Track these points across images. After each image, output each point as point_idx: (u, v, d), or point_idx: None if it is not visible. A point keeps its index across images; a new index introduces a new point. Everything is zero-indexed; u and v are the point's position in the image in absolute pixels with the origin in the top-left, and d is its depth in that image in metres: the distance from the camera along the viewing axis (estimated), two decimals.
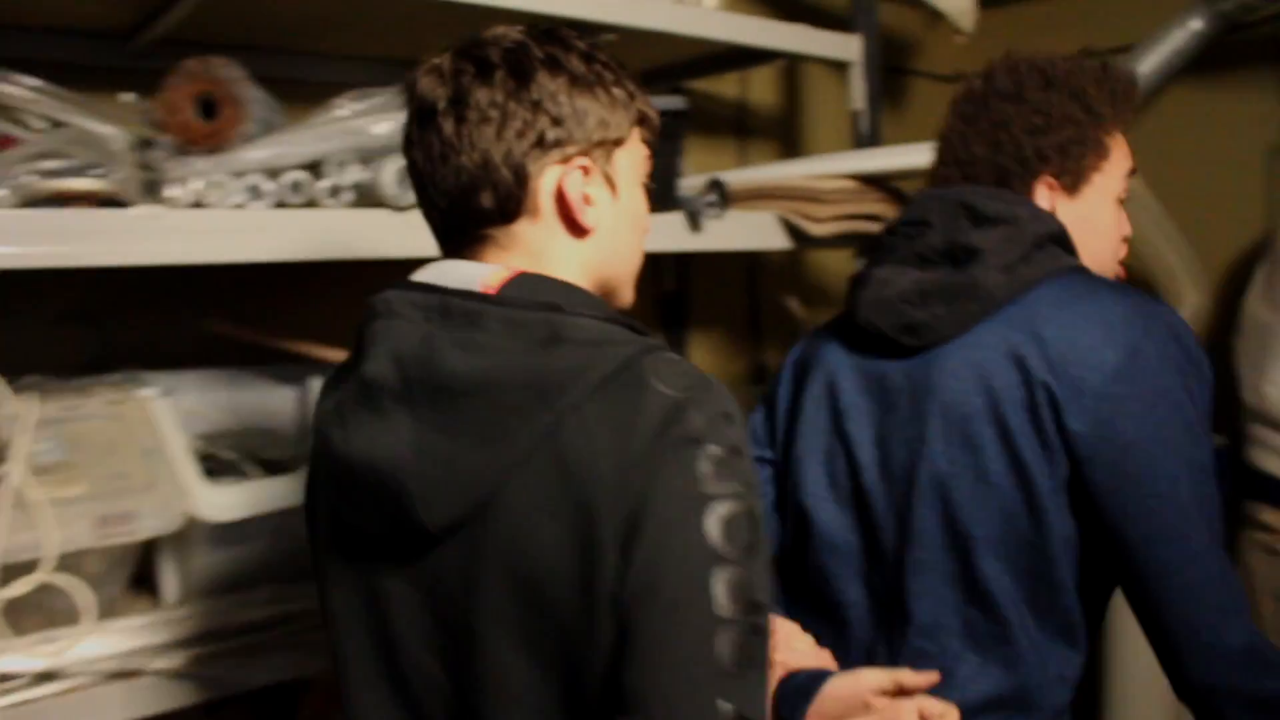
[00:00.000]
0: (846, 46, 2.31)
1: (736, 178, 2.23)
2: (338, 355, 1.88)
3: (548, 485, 0.90)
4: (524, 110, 0.97)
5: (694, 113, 2.62)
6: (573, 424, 0.90)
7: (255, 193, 1.54)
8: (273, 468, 1.72)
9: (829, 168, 2.19)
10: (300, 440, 1.81)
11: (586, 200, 1.01)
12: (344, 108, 1.67)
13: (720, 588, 0.86)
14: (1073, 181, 1.38)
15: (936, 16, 3.59)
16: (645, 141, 1.09)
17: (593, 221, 1.02)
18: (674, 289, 2.80)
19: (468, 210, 1.00)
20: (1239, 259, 2.99)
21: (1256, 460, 2.48)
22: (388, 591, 1.00)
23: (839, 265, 3.25)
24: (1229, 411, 2.67)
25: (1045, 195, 1.38)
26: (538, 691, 0.93)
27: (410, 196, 1.50)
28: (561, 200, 1.01)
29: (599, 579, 0.88)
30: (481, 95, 0.97)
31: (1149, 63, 2.74)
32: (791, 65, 3.13)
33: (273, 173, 1.57)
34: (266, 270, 1.62)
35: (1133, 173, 1.44)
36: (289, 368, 1.85)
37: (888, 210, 2.25)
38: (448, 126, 0.97)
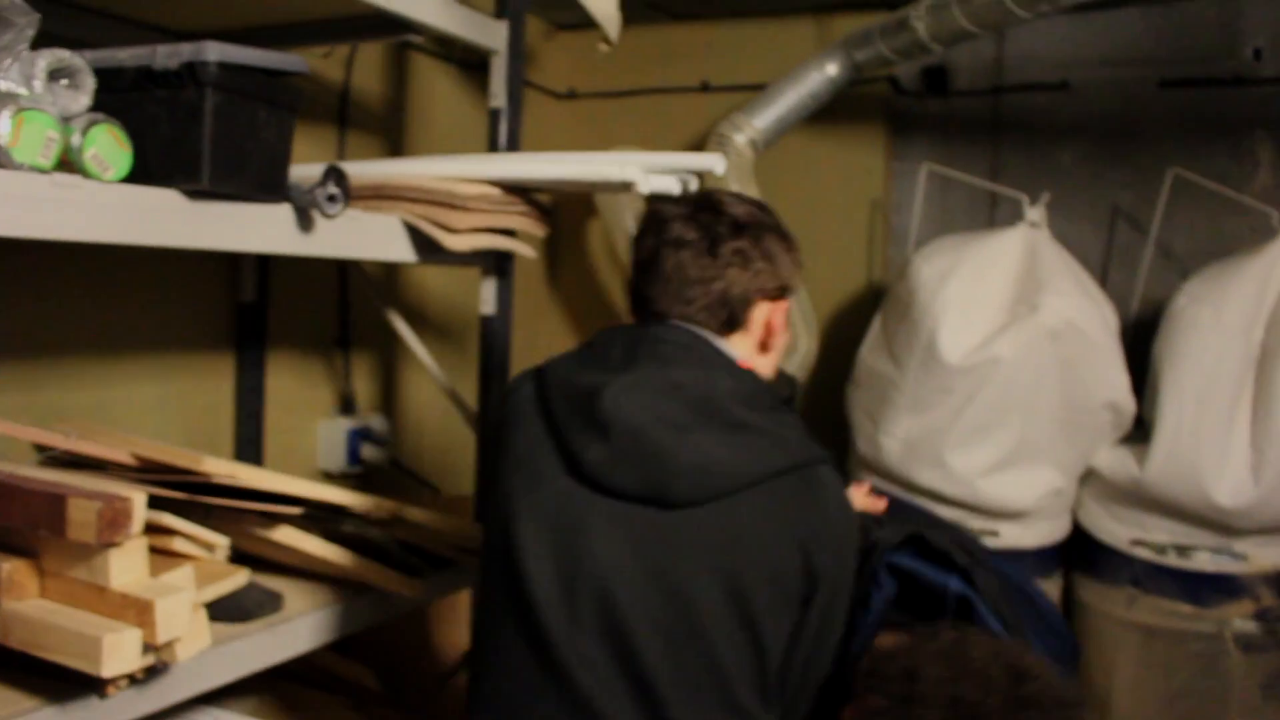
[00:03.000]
0: (493, 33, 1.99)
1: (354, 170, 1.82)
2: None
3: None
4: (759, 260, 1.34)
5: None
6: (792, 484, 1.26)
7: None
8: None
9: (470, 170, 1.85)
10: None
11: (775, 330, 1.38)
12: None
13: None
14: None
15: (556, 28, 3.40)
16: None
17: (774, 346, 1.39)
18: (253, 300, 2.31)
19: (703, 318, 1.34)
20: (845, 306, 3.02)
21: None
22: (600, 531, 1.23)
23: (441, 281, 2.91)
24: (843, 462, 2.64)
25: None
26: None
27: None
28: (765, 328, 1.37)
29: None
30: (732, 244, 1.33)
31: (784, 104, 2.67)
32: (400, 53, 2.75)
33: None
34: None
35: None
36: None
37: (529, 225, 1.95)
38: (703, 259, 1.32)
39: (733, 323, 1.34)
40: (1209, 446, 2.40)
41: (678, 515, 1.21)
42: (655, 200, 1.41)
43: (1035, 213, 2.57)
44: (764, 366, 1.38)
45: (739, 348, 1.35)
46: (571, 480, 1.25)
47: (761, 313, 1.35)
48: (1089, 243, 2.86)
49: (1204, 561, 2.50)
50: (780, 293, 1.37)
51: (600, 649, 1.21)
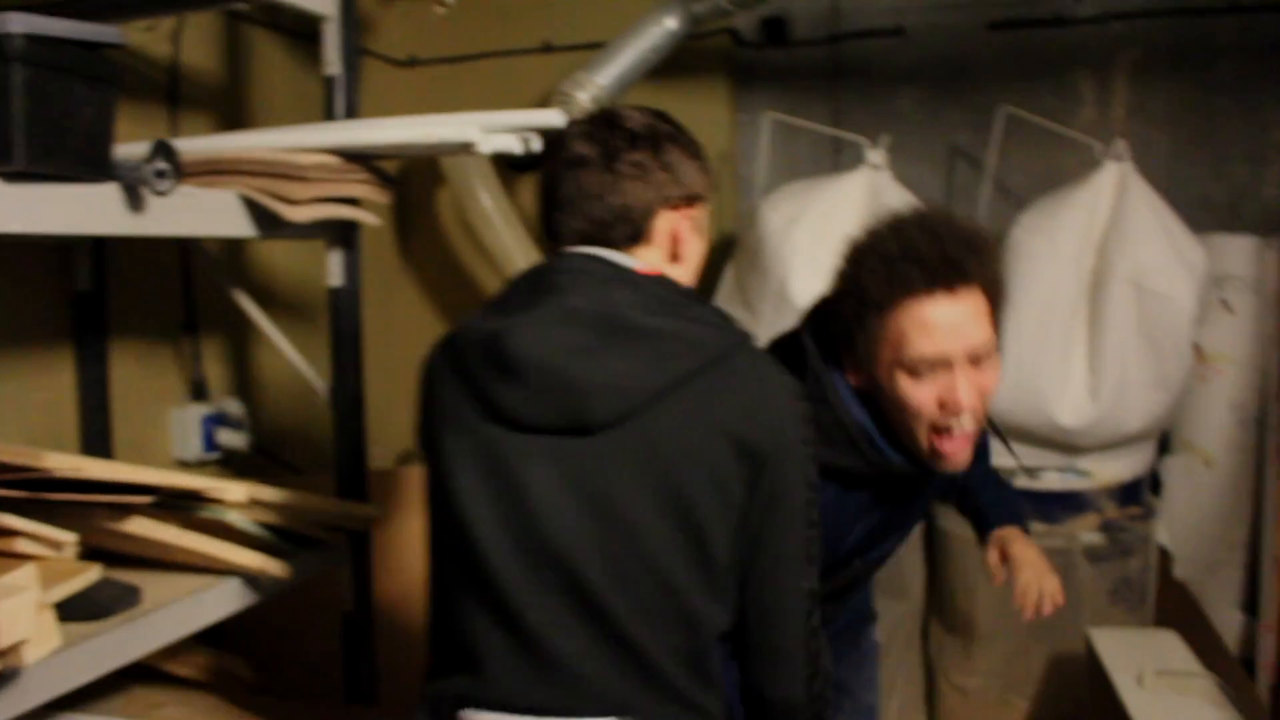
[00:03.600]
0: None
1: (187, 146, 1.76)
2: None
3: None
4: (658, 171, 1.32)
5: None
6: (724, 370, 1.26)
7: None
8: None
9: (305, 140, 1.80)
10: None
11: (683, 239, 1.36)
12: None
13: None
14: None
15: None
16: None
17: (685, 256, 1.37)
18: (90, 288, 2.22)
19: (607, 235, 1.32)
20: None
21: None
22: (532, 469, 1.25)
23: (288, 257, 2.83)
24: None
25: None
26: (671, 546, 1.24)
27: None
28: (671, 238, 1.35)
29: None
30: (629, 156, 1.32)
31: (625, 59, 2.67)
32: (231, 25, 2.65)
33: None
34: None
35: None
36: None
37: (371, 193, 1.91)
38: (602, 175, 1.32)
39: (636, 236, 1.32)
40: (1050, 371, 2.51)
41: (602, 439, 1.23)
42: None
43: (876, 156, 2.63)
44: (678, 276, 1.37)
45: (645, 260, 1.33)
46: (495, 426, 1.26)
47: (666, 223, 1.33)
48: (930, 182, 2.95)
49: (1052, 480, 2.63)
50: (685, 201, 1.35)
51: (548, 585, 1.23)
